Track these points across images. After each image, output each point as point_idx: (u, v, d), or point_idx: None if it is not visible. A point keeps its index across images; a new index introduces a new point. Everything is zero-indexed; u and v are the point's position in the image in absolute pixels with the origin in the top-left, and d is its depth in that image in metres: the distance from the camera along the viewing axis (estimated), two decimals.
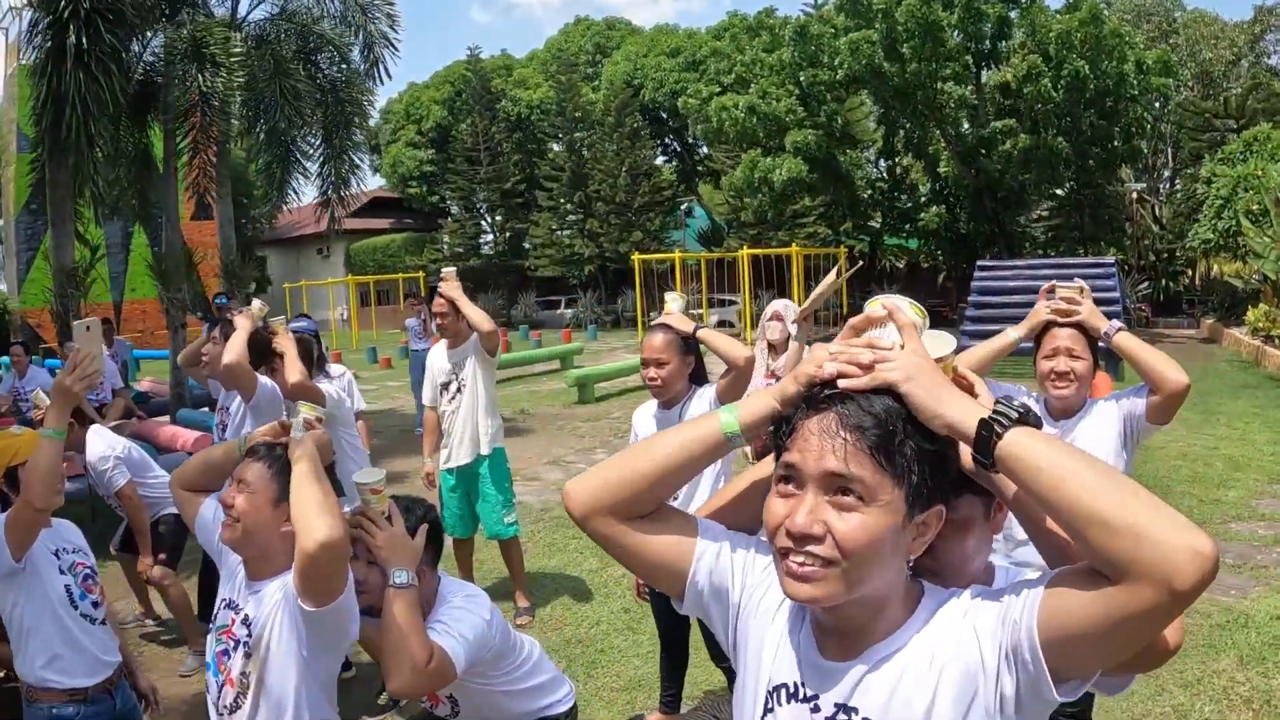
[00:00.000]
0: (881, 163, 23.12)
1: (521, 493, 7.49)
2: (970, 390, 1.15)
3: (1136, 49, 17.77)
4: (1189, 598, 0.88)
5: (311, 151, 12.18)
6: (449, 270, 4.41)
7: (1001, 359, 2.68)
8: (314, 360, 4.33)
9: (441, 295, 4.47)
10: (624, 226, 23.35)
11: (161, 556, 4.14)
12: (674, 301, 3.46)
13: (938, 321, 14.61)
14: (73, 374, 2.26)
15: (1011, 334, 2.60)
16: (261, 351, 4.01)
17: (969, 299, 14.36)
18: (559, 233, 26.36)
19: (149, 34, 10.39)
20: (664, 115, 26.93)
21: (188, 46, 9.87)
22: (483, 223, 29.97)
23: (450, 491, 4.86)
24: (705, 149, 26.12)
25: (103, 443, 4.08)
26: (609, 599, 4.78)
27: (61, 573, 2.64)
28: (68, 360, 2.35)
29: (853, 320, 1.16)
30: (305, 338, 4.32)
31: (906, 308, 1.13)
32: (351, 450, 4.33)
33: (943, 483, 1.07)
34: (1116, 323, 2.47)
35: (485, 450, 4.79)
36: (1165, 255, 20.15)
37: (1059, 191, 19.59)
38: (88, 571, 2.73)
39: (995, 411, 0.98)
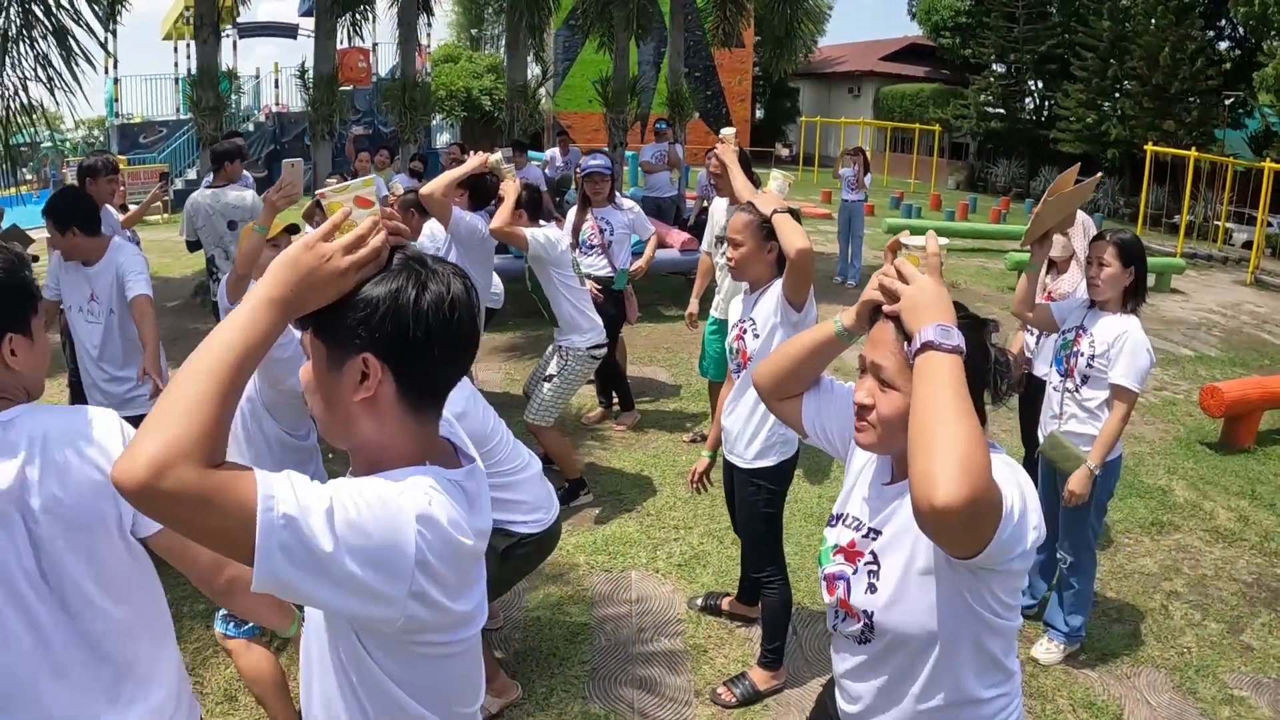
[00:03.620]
0: None
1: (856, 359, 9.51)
2: None
3: None
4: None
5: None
6: (728, 132, 4.62)
7: (832, 358, 1.88)
8: (539, 209, 5.01)
9: (716, 157, 4.76)
10: (1157, 112, 22.06)
11: None
12: (773, 181, 3.55)
13: None
14: (278, 194, 3.41)
15: (838, 321, 1.80)
16: (481, 193, 4.89)
17: None
18: (1098, 108, 25.31)
19: None
20: None
21: None
22: (1020, 85, 29.67)
23: (711, 335, 5.48)
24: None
25: (426, 233, 5.06)
26: None
27: None
28: (277, 182, 3.54)
29: None
30: (534, 186, 5.04)
31: None
32: (565, 289, 4.96)
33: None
34: (935, 329, 1.44)
35: None
36: None
37: None
38: None
39: None
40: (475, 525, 1.30)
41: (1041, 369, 4.63)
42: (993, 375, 1.62)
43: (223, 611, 3.10)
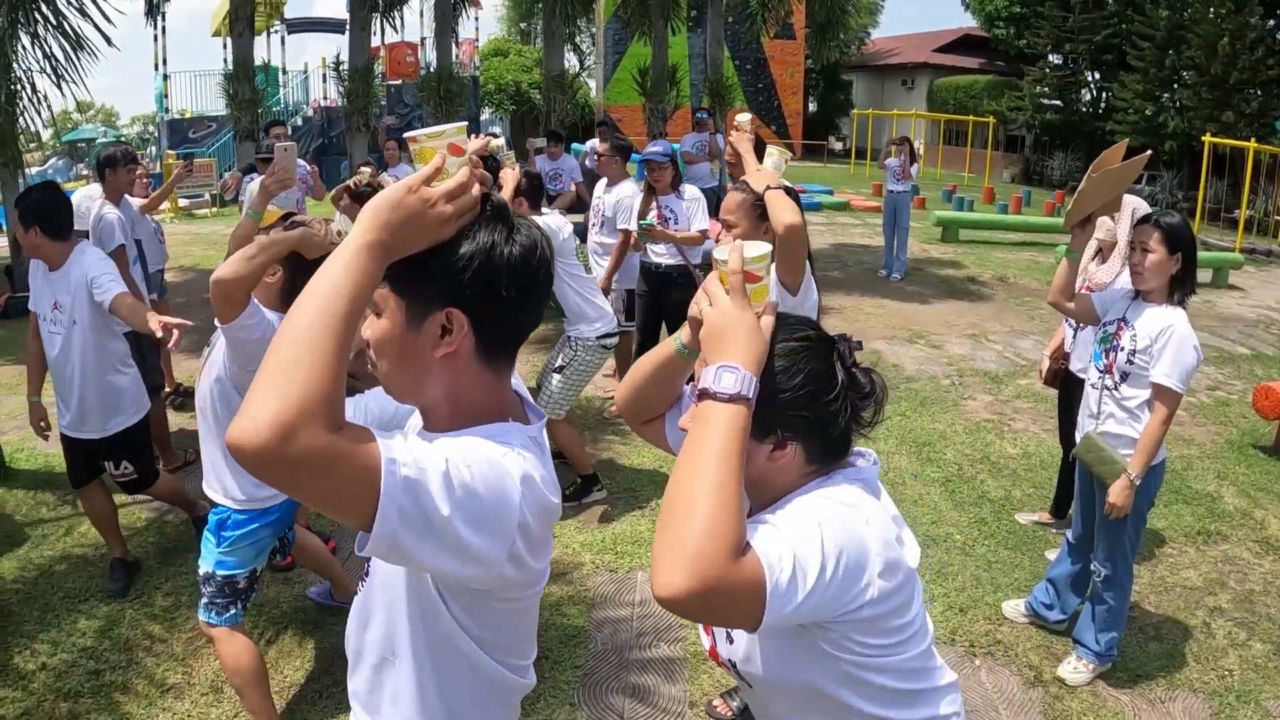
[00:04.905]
0: None
1: (894, 353, 9.13)
2: None
3: None
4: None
5: None
6: (743, 118, 4.50)
7: (683, 378, 1.60)
8: (540, 197, 4.91)
9: (731, 144, 4.62)
10: (1216, 104, 21.18)
11: None
12: (769, 158, 3.35)
13: None
14: (270, 179, 3.40)
15: (677, 338, 1.52)
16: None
17: None
18: (1155, 99, 24.43)
19: None
20: None
21: None
22: (1076, 76, 28.81)
23: None
24: None
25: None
26: None
27: None
28: (269, 167, 3.49)
29: None
30: (535, 174, 5.00)
31: None
32: (569, 278, 4.81)
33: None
34: (715, 371, 1.23)
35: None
36: None
37: None
38: None
39: None
40: (553, 480, 1.29)
41: (1077, 364, 4.32)
42: (843, 405, 1.36)
43: (204, 600, 3.04)
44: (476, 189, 1.23)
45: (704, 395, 1.22)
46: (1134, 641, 3.80)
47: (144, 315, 3.76)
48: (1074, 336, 4.46)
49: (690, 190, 6.24)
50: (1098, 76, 28.79)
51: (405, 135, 1.28)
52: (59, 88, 5.85)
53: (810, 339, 1.36)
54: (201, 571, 3.05)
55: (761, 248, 1.33)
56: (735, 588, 1.13)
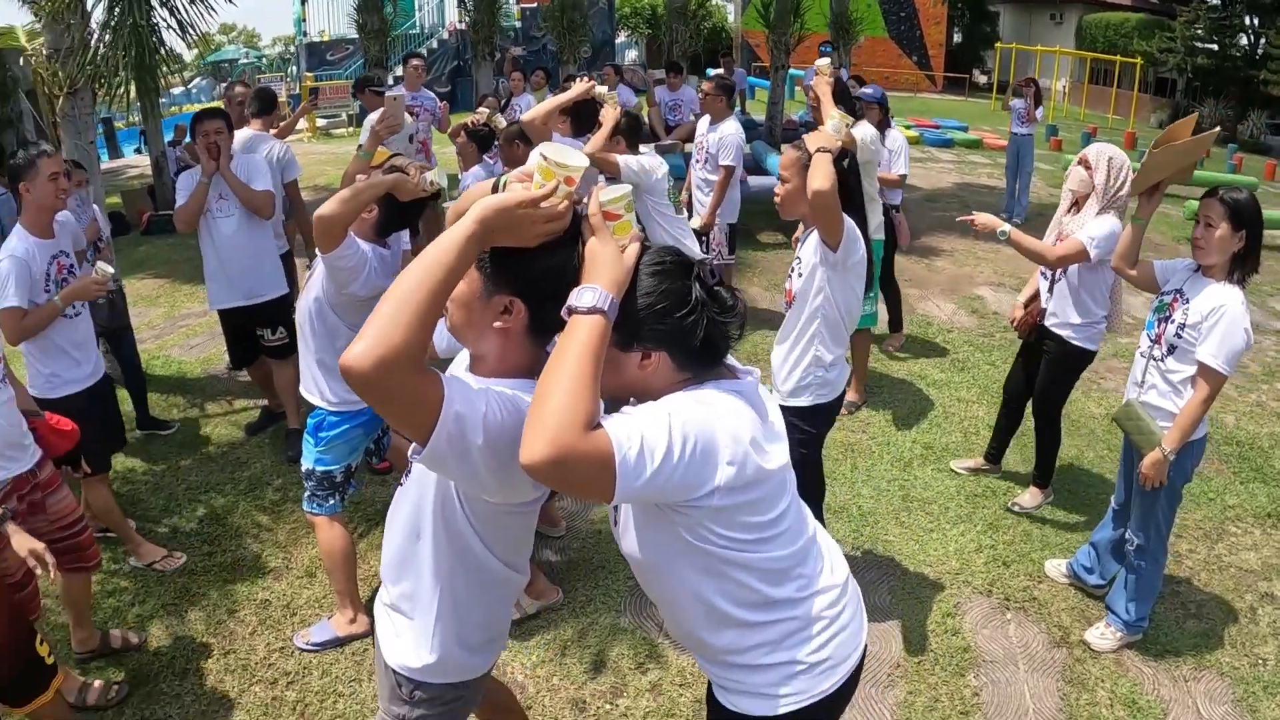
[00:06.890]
0: None
1: (996, 300, 8.92)
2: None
3: None
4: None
5: None
6: (823, 63, 4.35)
7: None
8: (638, 135, 4.86)
9: (811, 89, 4.58)
10: None
11: None
12: (830, 120, 3.50)
13: None
14: (381, 124, 3.90)
15: None
16: (586, 119, 4.92)
17: None
18: None
19: None
20: None
21: None
22: (1232, 18, 26.64)
23: None
24: None
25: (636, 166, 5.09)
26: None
27: None
28: (380, 114, 4.01)
29: None
30: (634, 114, 4.89)
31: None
32: (659, 216, 4.75)
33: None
34: (577, 293, 1.49)
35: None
36: None
37: None
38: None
39: None
40: None
41: (1052, 320, 4.30)
42: (699, 318, 1.55)
43: (307, 493, 3.46)
44: (568, 219, 1.50)
45: (570, 312, 1.46)
46: (1171, 617, 3.78)
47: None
48: (1049, 289, 4.34)
49: (894, 137, 6.23)
50: (1256, 21, 26.57)
51: (539, 149, 1.52)
52: (182, 32, 6.22)
53: (667, 263, 1.58)
54: (303, 468, 3.46)
55: (618, 190, 1.57)
56: (586, 456, 1.37)
